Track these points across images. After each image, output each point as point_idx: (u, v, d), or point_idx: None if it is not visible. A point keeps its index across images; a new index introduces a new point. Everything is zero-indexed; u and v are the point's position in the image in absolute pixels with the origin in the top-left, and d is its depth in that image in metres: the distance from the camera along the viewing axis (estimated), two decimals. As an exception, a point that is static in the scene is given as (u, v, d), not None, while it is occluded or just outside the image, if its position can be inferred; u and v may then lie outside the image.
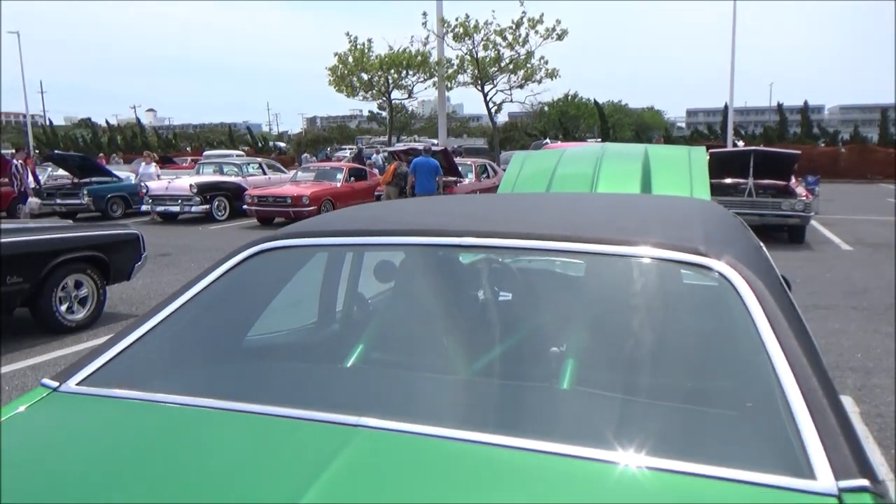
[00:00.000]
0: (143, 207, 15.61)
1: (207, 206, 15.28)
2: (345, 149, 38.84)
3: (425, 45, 28.36)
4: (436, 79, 27.94)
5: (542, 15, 26.81)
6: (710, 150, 12.48)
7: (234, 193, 15.77)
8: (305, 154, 36.95)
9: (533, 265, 2.47)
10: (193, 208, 15.18)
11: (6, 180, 15.32)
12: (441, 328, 1.81)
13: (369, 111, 45.72)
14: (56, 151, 22.31)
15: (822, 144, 32.07)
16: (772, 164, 11.84)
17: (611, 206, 2.30)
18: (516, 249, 1.77)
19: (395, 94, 31.13)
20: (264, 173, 18.05)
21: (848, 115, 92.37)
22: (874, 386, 4.46)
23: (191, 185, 15.29)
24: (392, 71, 29.49)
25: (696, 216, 1.97)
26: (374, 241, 1.89)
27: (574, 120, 45.83)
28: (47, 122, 62.37)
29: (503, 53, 27.48)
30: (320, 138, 53.54)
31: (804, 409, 1.17)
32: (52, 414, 1.45)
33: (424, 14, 26.86)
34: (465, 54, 27.53)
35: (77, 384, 1.52)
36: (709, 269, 1.48)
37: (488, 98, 28.53)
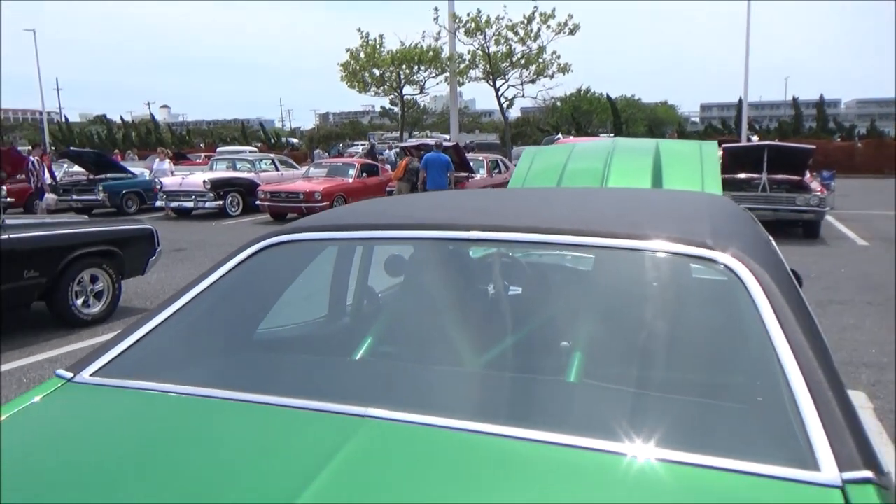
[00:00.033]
0: (158, 203, 15.75)
1: (221, 202, 15.40)
2: (357, 145, 38.92)
3: (437, 40, 28.39)
4: (447, 74, 27.92)
5: (553, 9, 26.72)
6: (724, 145, 12.42)
7: (247, 189, 15.87)
8: (318, 150, 37.05)
9: (542, 260, 2.47)
10: (207, 204, 15.30)
11: (23, 177, 15.52)
12: (449, 321, 1.82)
13: (381, 107, 45.80)
14: (72, 148, 22.53)
15: (839, 139, 31.64)
16: (786, 158, 11.74)
17: (618, 200, 2.30)
18: (523, 243, 1.78)
19: (407, 90, 31.19)
20: (277, 169, 18.15)
21: (865, 109, 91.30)
22: (888, 381, 4.42)
23: (204, 181, 15.41)
24: (404, 66, 29.51)
25: (703, 210, 1.96)
26: (381, 235, 1.90)
27: (587, 115, 45.61)
28: (63, 119, 62.94)
29: (515, 48, 27.40)
30: (333, 134, 53.67)
31: (809, 402, 1.17)
32: (67, 404, 1.48)
33: (436, 9, 26.87)
34: (477, 49, 27.48)
35: (91, 375, 1.55)
36: (715, 262, 1.48)
37: (500, 93, 28.48)
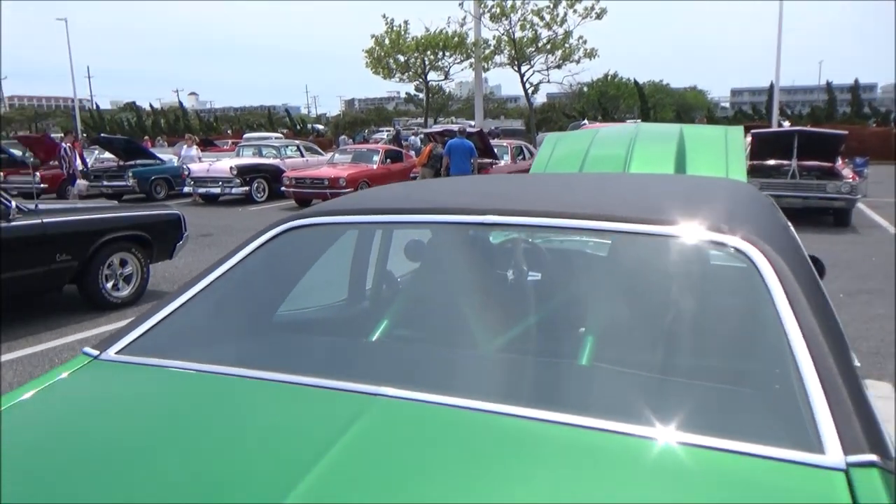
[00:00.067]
0: (186, 189, 15.97)
1: (247, 188, 15.58)
2: (382, 131, 38.96)
3: (462, 25, 28.22)
4: (472, 60, 27.78)
5: (580, -7, 26.40)
6: (753, 131, 12.18)
7: (272, 175, 16.01)
8: (343, 136, 37.18)
9: (563, 245, 2.48)
10: (233, 190, 15.49)
11: (56, 163, 15.92)
12: (466, 305, 1.84)
13: (406, 93, 45.71)
14: (102, 135, 22.86)
15: (874, 125, 30.84)
16: (817, 144, 11.46)
17: (636, 185, 2.30)
18: (538, 227, 1.79)
19: (432, 76, 31.09)
20: (302, 155, 18.28)
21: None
22: (916, 372, 4.34)
23: (231, 168, 15.59)
24: (428, 52, 29.42)
25: (721, 195, 1.95)
26: (399, 219, 1.93)
27: (613, 100, 45.06)
28: (94, 107, 64.16)
29: (540, 33, 27.17)
30: (358, 120, 53.77)
31: (818, 386, 1.17)
32: (93, 380, 1.54)
33: (461, -6, 26.69)
34: (502, 35, 27.28)
35: (116, 353, 1.61)
36: (726, 245, 1.49)
37: (525, 79, 28.25)
